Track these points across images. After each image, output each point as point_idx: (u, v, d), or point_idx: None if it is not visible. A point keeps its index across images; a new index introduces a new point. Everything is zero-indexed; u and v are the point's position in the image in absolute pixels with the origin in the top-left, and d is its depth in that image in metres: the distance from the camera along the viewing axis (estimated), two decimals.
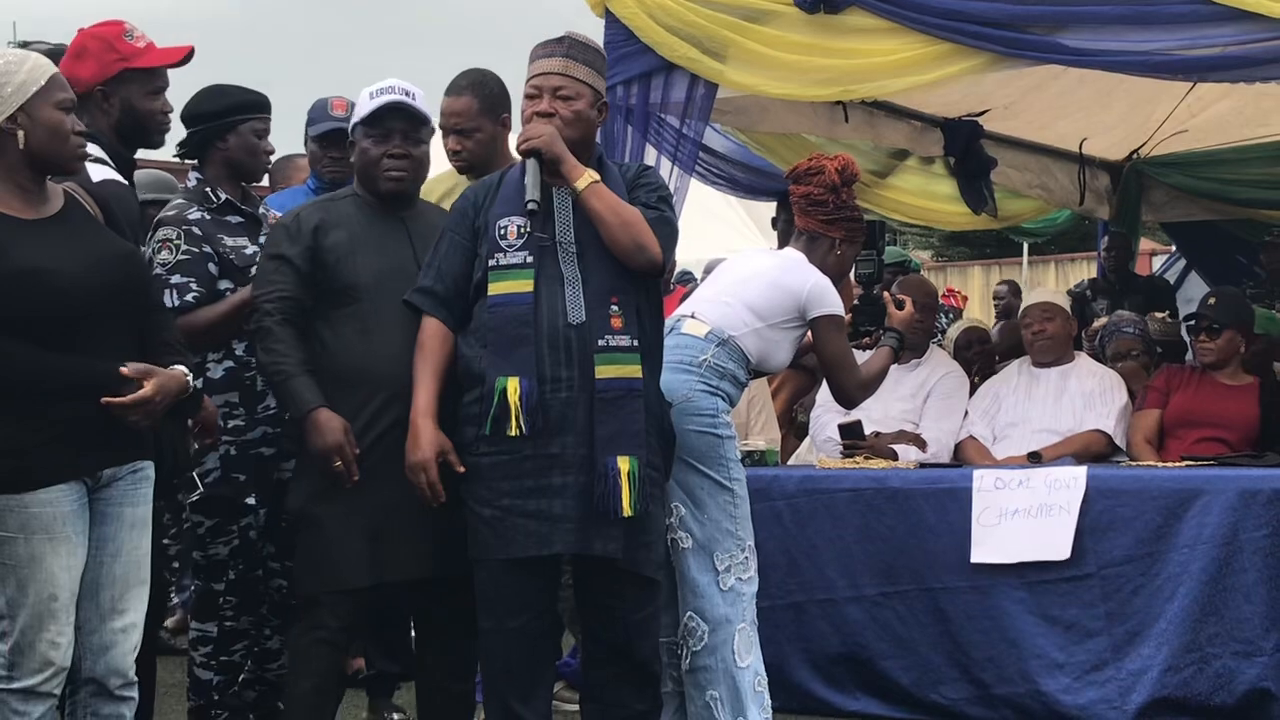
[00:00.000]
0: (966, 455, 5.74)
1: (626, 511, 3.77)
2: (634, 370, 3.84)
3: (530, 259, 3.84)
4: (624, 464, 3.78)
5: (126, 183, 4.01)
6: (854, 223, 4.57)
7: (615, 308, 3.83)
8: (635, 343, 3.85)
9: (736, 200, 8.92)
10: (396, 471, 3.84)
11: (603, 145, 4.58)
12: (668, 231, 3.93)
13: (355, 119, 4.11)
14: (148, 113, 4.06)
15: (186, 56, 4.09)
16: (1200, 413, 5.61)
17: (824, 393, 6.00)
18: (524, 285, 3.83)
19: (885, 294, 4.81)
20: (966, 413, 5.90)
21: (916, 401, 5.88)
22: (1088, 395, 5.75)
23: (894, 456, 5.56)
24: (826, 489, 5.14)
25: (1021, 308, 6.23)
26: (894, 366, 5.93)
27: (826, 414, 5.90)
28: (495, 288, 3.87)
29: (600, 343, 3.81)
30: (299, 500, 3.98)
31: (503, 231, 3.88)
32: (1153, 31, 4.72)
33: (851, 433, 5.57)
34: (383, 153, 4.05)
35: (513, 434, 3.78)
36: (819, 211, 4.51)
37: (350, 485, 3.86)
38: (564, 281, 3.83)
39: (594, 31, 5.35)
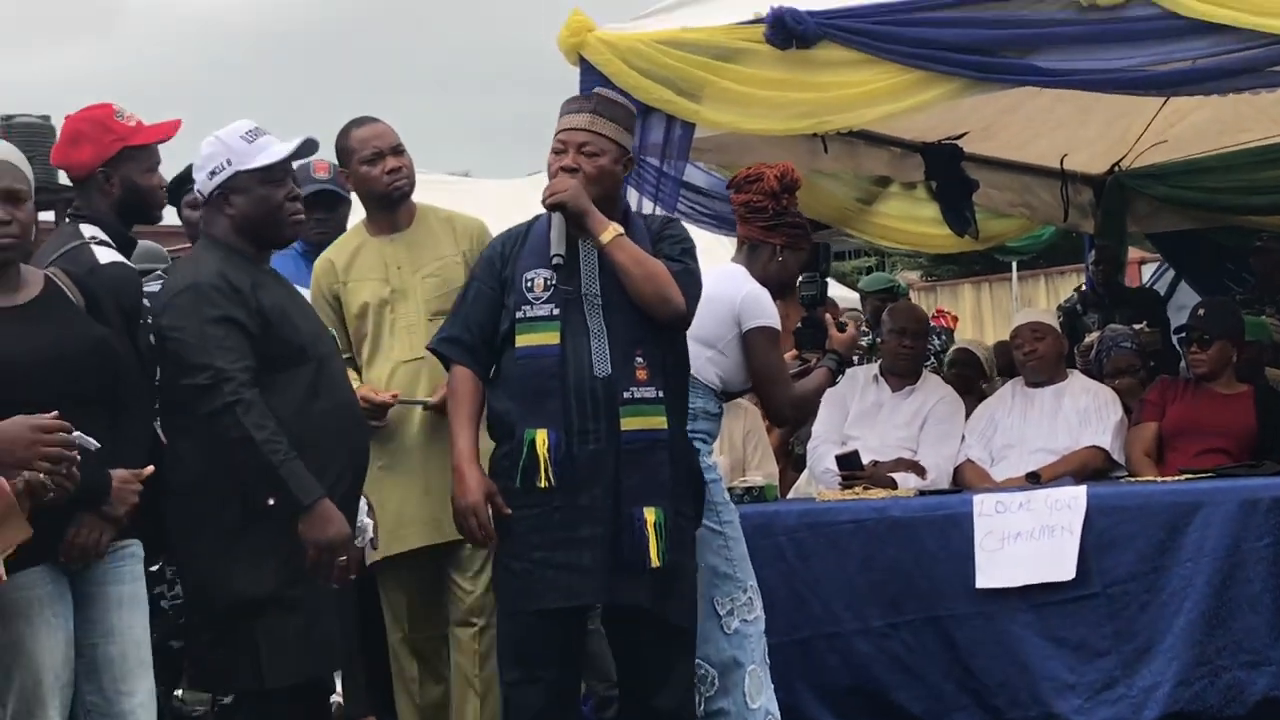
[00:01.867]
0: (965, 479, 5.73)
1: (654, 562, 3.81)
2: (659, 421, 3.88)
3: (556, 311, 3.89)
4: (650, 515, 3.82)
5: (131, 265, 4.01)
6: (795, 229, 4.55)
7: (640, 359, 3.87)
8: (660, 394, 3.89)
9: (727, 238, 8.90)
10: None
11: None
12: (691, 283, 3.96)
13: (242, 166, 3.84)
14: (148, 189, 4.09)
15: (175, 131, 4.12)
16: (1197, 424, 5.60)
17: (820, 424, 6.00)
18: (550, 338, 3.88)
19: (828, 315, 4.78)
20: (964, 437, 5.89)
21: (913, 429, 5.88)
22: (1082, 412, 5.75)
23: (893, 485, 5.55)
24: (827, 521, 5.12)
25: (1011, 328, 6.23)
26: (889, 394, 5.97)
27: (823, 445, 5.89)
28: (522, 340, 3.91)
29: (626, 395, 3.85)
30: (268, 584, 3.67)
31: (529, 284, 3.93)
32: (1124, 49, 4.74)
33: (849, 463, 5.56)
34: (284, 196, 3.90)
35: (542, 486, 3.81)
36: (759, 219, 4.51)
37: (340, 583, 3.70)
38: (589, 334, 3.87)
39: (569, 77, 5.39)
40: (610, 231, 3.89)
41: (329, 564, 3.65)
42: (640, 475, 3.84)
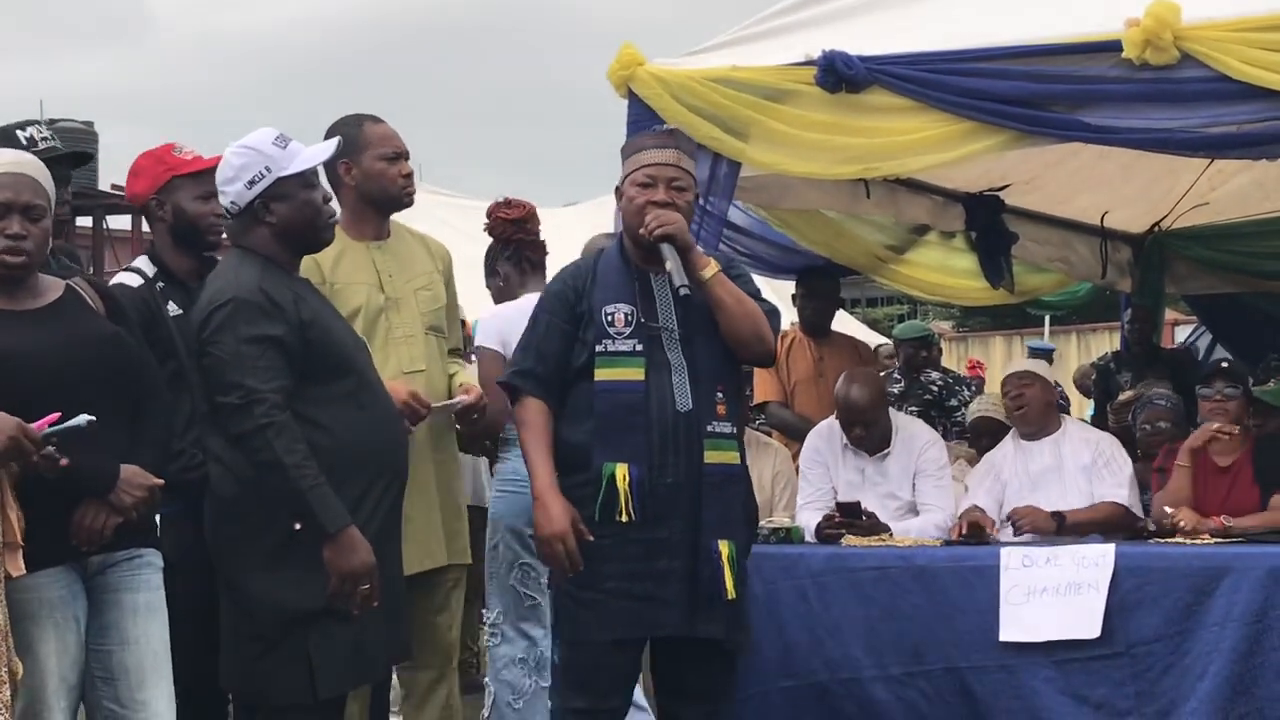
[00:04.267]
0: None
1: (730, 594, 3.87)
2: (734, 456, 3.96)
3: (640, 346, 3.93)
4: (725, 548, 3.89)
5: (141, 283, 4.10)
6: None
7: (720, 395, 3.94)
8: (735, 430, 3.95)
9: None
10: (388, 555, 3.80)
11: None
12: (777, 324, 4.05)
13: (283, 172, 3.78)
14: (198, 215, 4.18)
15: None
16: (1203, 504, 5.51)
17: (806, 485, 5.81)
18: (635, 373, 3.92)
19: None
20: (966, 488, 5.78)
21: (905, 489, 5.71)
22: (1087, 467, 5.61)
23: (888, 532, 5.44)
24: (852, 566, 5.10)
25: (1001, 379, 6.12)
26: (868, 459, 5.74)
27: (809, 509, 5.69)
28: (603, 373, 3.95)
29: (708, 429, 3.90)
30: (321, 596, 3.64)
31: (609, 318, 3.96)
32: (1173, 109, 4.74)
33: (850, 511, 5.49)
34: (321, 200, 3.87)
35: (622, 520, 3.85)
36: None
37: (362, 611, 3.67)
38: (671, 369, 3.91)
39: (612, 111, 5.42)
40: (713, 267, 3.96)
41: (351, 592, 3.64)
42: (719, 509, 3.91)
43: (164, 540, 3.75)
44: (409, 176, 4.50)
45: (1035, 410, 5.76)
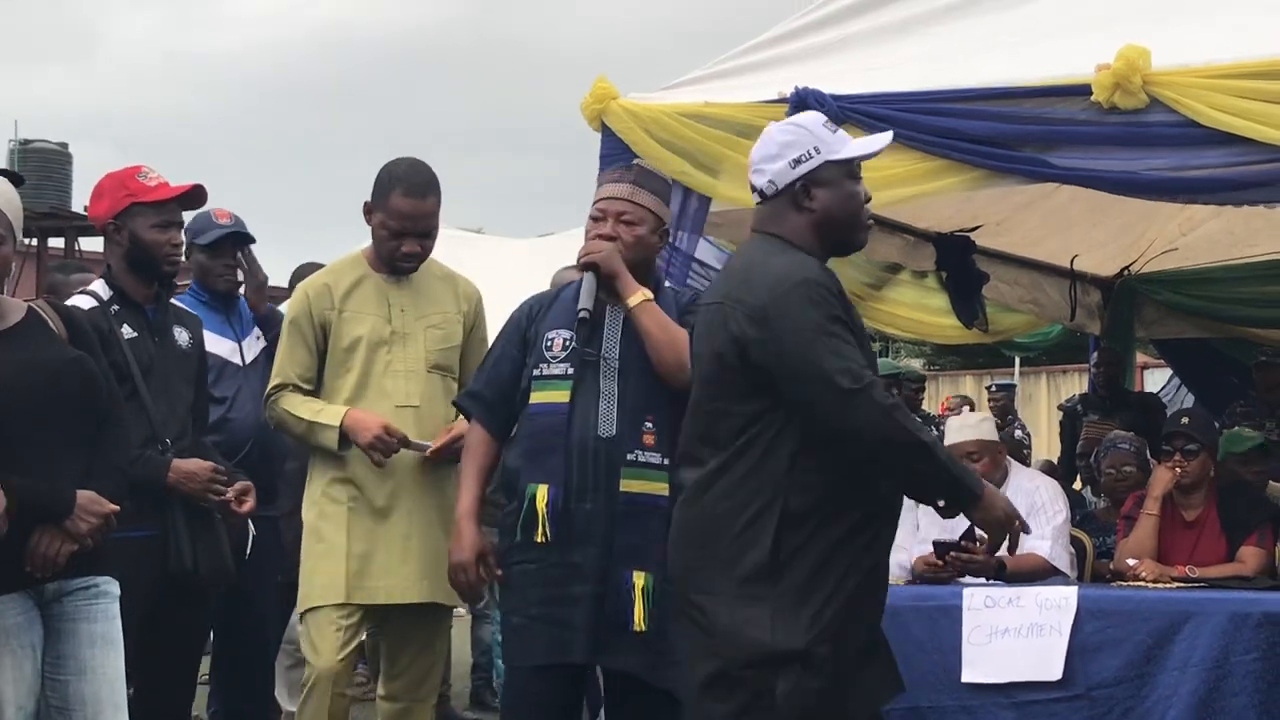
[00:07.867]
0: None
1: (638, 626, 3.83)
2: (661, 488, 3.90)
3: (570, 371, 3.96)
4: (639, 579, 3.84)
5: (94, 305, 4.16)
6: None
7: (649, 425, 3.92)
8: (666, 461, 3.90)
9: None
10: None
11: None
12: None
13: (832, 156, 3.42)
14: (153, 243, 4.24)
15: (192, 192, 4.22)
16: (1170, 558, 5.51)
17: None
18: (561, 396, 3.94)
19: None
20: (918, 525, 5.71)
21: None
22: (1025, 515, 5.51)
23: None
24: None
25: (946, 442, 5.95)
26: None
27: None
28: (536, 397, 3.99)
29: (629, 457, 3.89)
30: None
31: (549, 343, 4.01)
32: (1142, 152, 4.76)
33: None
34: (864, 198, 3.49)
35: (539, 541, 3.86)
36: None
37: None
38: (600, 396, 3.91)
39: (588, 143, 5.42)
40: (639, 295, 3.97)
41: (1012, 533, 3.44)
42: (635, 538, 3.87)
43: (133, 564, 3.73)
44: (410, 254, 4.45)
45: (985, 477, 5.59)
